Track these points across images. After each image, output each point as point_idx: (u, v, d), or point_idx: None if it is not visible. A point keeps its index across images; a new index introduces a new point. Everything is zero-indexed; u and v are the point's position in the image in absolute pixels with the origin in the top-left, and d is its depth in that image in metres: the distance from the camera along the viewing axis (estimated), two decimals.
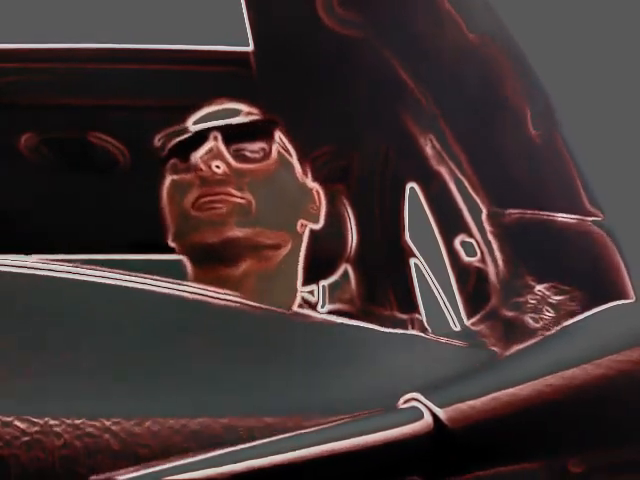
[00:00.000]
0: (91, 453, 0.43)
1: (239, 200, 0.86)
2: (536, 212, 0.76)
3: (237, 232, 0.85)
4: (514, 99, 0.79)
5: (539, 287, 0.70)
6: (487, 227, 0.79)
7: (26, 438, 0.42)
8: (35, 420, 0.42)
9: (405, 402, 0.46)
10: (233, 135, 0.90)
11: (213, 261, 0.85)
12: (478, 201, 0.81)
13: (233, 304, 0.53)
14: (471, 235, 0.83)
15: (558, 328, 0.65)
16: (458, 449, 0.44)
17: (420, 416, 0.44)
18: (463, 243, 0.86)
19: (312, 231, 0.96)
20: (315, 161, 1.02)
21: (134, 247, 1.62)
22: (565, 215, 0.75)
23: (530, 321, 0.67)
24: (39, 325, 0.46)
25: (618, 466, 0.52)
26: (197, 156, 0.87)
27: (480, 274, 0.82)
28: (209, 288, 0.55)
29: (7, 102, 1.34)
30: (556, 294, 0.69)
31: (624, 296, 0.71)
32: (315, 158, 1.04)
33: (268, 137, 0.92)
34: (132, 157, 1.46)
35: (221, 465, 0.40)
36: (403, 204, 1.27)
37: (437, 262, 1.06)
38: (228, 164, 0.87)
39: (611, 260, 0.73)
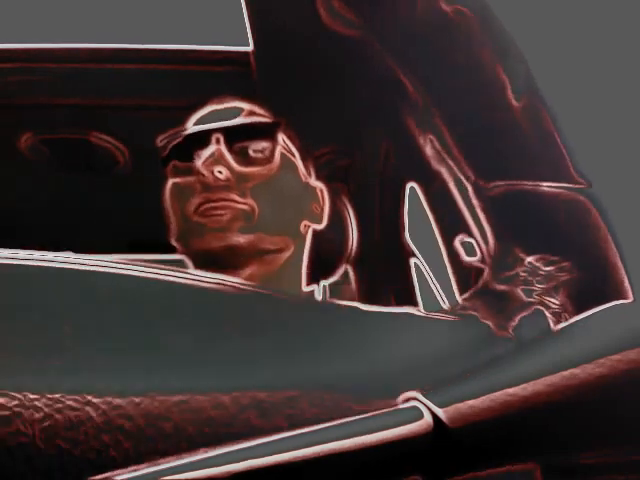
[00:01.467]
0: (73, 425, 0.43)
1: (241, 206, 0.86)
2: (521, 182, 0.76)
3: (240, 239, 0.85)
4: (492, 71, 0.78)
5: (529, 259, 0.70)
6: (474, 202, 0.79)
7: (5, 412, 0.42)
8: (14, 394, 0.42)
9: (405, 401, 0.46)
10: (235, 135, 0.89)
11: (216, 266, 0.85)
12: (463, 178, 0.80)
13: (223, 286, 0.53)
14: (471, 235, 0.83)
15: (558, 328, 0.65)
16: (458, 449, 0.44)
17: (420, 416, 0.44)
18: (463, 243, 0.86)
19: (313, 231, 0.96)
20: (315, 161, 1.02)
21: (134, 247, 1.62)
22: (551, 184, 0.75)
23: (521, 294, 0.67)
24: (20, 303, 0.46)
25: (618, 466, 0.52)
26: (199, 160, 0.87)
27: (480, 274, 0.82)
28: (199, 273, 0.56)
29: (7, 102, 1.34)
30: (546, 265, 0.69)
31: (610, 264, 0.71)
32: (315, 158, 1.03)
33: (271, 138, 0.91)
34: (132, 157, 1.46)
35: (221, 465, 0.40)
36: (403, 204, 1.27)
37: (437, 262, 1.06)
38: (230, 169, 0.87)
39: (598, 228, 0.73)
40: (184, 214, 0.88)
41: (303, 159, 0.96)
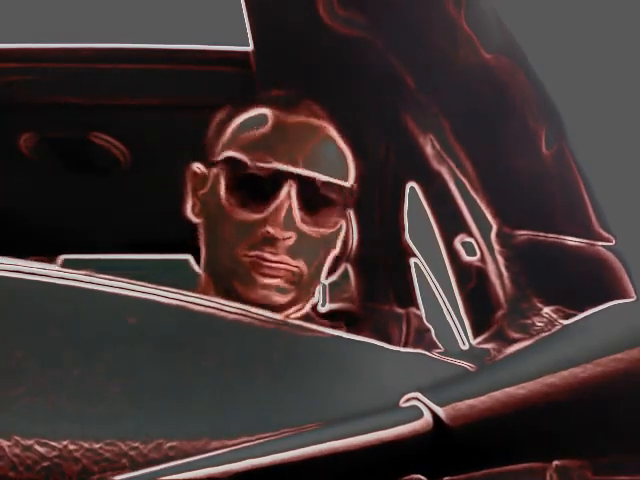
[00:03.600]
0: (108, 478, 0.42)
1: (293, 269, 0.84)
2: (546, 234, 0.76)
3: (281, 299, 0.84)
4: (527, 115, 0.78)
5: (546, 309, 0.70)
6: (496, 246, 0.78)
7: (46, 463, 0.41)
8: (54, 444, 0.42)
9: (405, 401, 0.46)
10: (311, 186, 0.84)
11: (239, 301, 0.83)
12: (488, 217, 0.80)
13: (241, 317, 0.52)
14: (471, 235, 0.83)
15: (558, 328, 0.65)
16: (458, 448, 0.44)
17: (420, 415, 0.44)
18: (463, 243, 0.86)
19: None
20: None
21: (134, 247, 1.63)
22: (575, 239, 0.75)
23: None
24: (51, 340, 0.45)
25: (618, 465, 0.52)
26: (268, 212, 0.82)
27: (480, 273, 0.82)
28: (214, 299, 0.55)
29: (7, 102, 1.34)
30: (563, 317, 0.69)
31: None
32: None
33: (344, 196, 0.88)
34: (133, 157, 1.46)
35: (220, 464, 0.40)
36: (403, 204, 1.27)
37: (437, 262, 1.06)
38: (298, 231, 0.84)
39: (619, 285, 0.73)
40: (234, 252, 0.84)
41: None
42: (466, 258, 0.85)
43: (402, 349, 0.62)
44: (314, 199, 0.85)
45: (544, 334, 0.63)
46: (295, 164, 0.85)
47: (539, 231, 0.76)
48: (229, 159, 0.87)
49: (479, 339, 0.72)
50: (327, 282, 1.10)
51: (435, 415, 0.44)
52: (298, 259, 0.85)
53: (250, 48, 1.26)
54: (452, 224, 0.90)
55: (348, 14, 0.94)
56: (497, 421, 0.45)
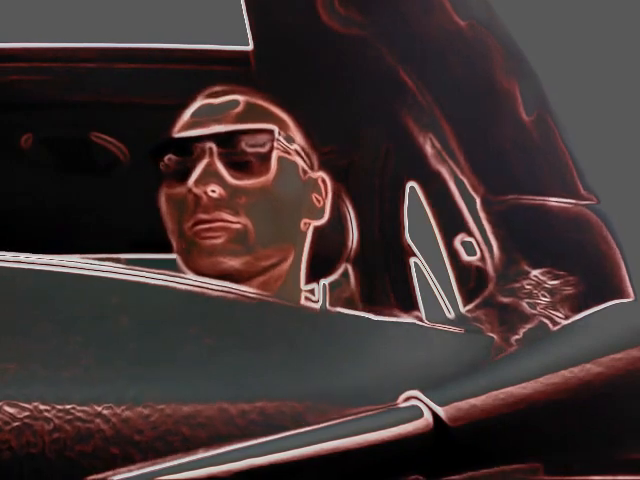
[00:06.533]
0: (82, 437, 0.43)
1: (235, 226, 0.83)
2: (530, 197, 0.76)
3: (235, 263, 0.83)
4: (505, 84, 0.78)
5: (534, 272, 0.70)
6: (481, 215, 0.79)
7: (16, 423, 0.42)
8: (24, 405, 0.42)
9: (405, 400, 0.46)
10: (230, 143, 0.85)
11: None
12: (470, 190, 0.80)
13: (228, 294, 0.53)
14: (471, 234, 0.83)
15: (558, 327, 0.65)
16: (458, 447, 0.44)
17: (420, 414, 0.44)
18: (463, 242, 0.86)
19: (313, 230, 0.94)
20: None
21: (134, 247, 1.63)
22: (559, 199, 0.75)
23: (526, 306, 0.67)
24: (27, 311, 0.46)
25: (618, 465, 0.52)
26: (192, 177, 0.83)
27: (480, 273, 0.82)
28: (205, 280, 0.56)
29: (7, 102, 1.34)
30: (551, 279, 0.69)
31: (618, 279, 0.71)
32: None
33: (269, 142, 0.87)
34: (132, 157, 1.46)
35: (221, 463, 0.40)
36: (403, 203, 1.27)
37: (437, 261, 1.06)
38: (224, 185, 0.83)
39: (605, 244, 0.73)
40: (181, 230, 0.85)
41: (307, 153, 0.92)
42: (466, 258, 0.85)
43: (393, 319, 0.62)
44: (235, 150, 0.85)
45: (544, 334, 0.63)
46: (205, 125, 0.87)
47: (522, 195, 0.76)
48: (156, 146, 0.89)
49: (469, 306, 0.72)
50: (327, 282, 1.10)
51: (435, 415, 0.44)
52: (239, 216, 0.83)
53: (250, 47, 1.26)
54: (452, 224, 0.90)
55: (348, 13, 0.94)
56: (497, 421, 0.45)
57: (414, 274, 1.32)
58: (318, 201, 0.93)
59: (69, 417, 0.43)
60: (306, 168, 0.92)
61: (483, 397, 0.45)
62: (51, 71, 1.33)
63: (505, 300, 0.69)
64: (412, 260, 1.33)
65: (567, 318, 0.66)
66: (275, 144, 0.87)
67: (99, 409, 0.44)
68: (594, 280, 0.71)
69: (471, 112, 0.81)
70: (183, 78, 1.33)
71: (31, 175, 1.49)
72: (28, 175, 1.49)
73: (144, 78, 1.34)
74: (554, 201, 0.75)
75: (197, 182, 0.83)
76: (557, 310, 0.67)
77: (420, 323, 0.64)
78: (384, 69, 0.93)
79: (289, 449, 0.41)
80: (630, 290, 0.70)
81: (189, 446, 0.44)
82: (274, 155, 0.87)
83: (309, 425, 0.45)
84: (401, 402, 0.46)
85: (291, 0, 1.05)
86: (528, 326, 0.65)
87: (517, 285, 0.70)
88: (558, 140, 0.77)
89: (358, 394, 0.51)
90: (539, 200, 0.75)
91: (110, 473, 0.41)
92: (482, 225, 0.79)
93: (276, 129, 0.88)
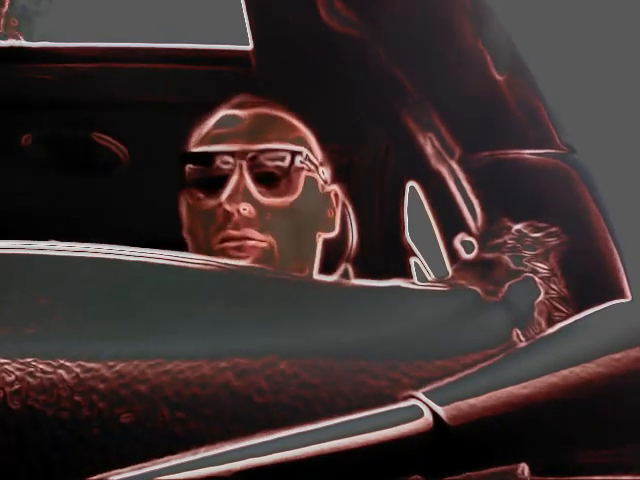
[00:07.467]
0: (45, 388, 0.43)
1: (262, 245, 0.85)
2: (505, 152, 0.76)
3: None
4: (474, 45, 0.78)
5: (516, 226, 0.70)
6: (460, 175, 0.79)
7: None
8: None
9: (404, 400, 0.46)
10: (259, 162, 0.87)
11: None
12: (447, 157, 0.80)
13: (208, 265, 0.54)
14: (471, 234, 0.83)
15: (558, 327, 0.65)
16: (458, 447, 0.44)
17: (420, 414, 0.44)
18: (463, 242, 0.86)
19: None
20: None
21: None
22: (534, 151, 0.75)
23: (509, 261, 0.67)
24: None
25: (618, 465, 0.52)
26: (223, 194, 0.85)
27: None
28: (186, 254, 0.56)
29: (7, 102, 1.34)
30: (533, 232, 0.69)
31: (595, 225, 0.71)
32: None
33: (288, 156, 0.89)
34: (132, 157, 1.46)
35: (221, 463, 0.40)
36: (403, 203, 1.27)
37: (437, 262, 1.06)
38: (255, 203, 0.85)
39: (582, 191, 0.73)
40: (207, 243, 0.86)
41: (324, 167, 0.94)
42: (466, 257, 0.85)
43: (376, 283, 0.62)
44: (266, 169, 0.87)
45: (543, 334, 0.63)
46: (231, 140, 0.88)
47: (498, 150, 0.77)
48: (183, 155, 0.90)
49: (454, 265, 0.73)
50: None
51: (435, 414, 0.44)
52: (266, 233, 0.85)
53: (250, 47, 1.26)
54: (452, 224, 0.90)
55: (348, 14, 0.94)
56: (497, 421, 0.45)
57: (414, 274, 1.32)
58: (331, 214, 0.95)
59: (30, 369, 0.43)
60: (323, 183, 0.94)
61: (483, 397, 0.45)
62: (52, 71, 1.33)
63: (489, 256, 0.69)
64: (412, 260, 1.33)
65: (551, 269, 0.66)
66: (303, 164, 0.89)
67: (62, 361, 0.44)
68: (575, 228, 0.71)
69: (439, 70, 0.82)
70: (183, 78, 1.33)
71: (31, 175, 1.49)
72: (28, 175, 1.49)
73: (144, 78, 1.33)
74: (529, 153, 0.75)
75: (229, 199, 0.84)
76: (542, 262, 0.67)
77: (403, 284, 0.65)
78: (384, 68, 0.93)
79: (289, 449, 0.41)
80: (607, 234, 0.70)
81: (156, 392, 0.44)
82: (302, 175, 0.89)
83: (284, 372, 0.45)
84: (401, 402, 0.46)
85: (291, 0, 1.05)
86: (513, 279, 0.65)
87: (500, 241, 0.70)
88: (532, 95, 0.77)
89: (334, 347, 0.51)
90: (514, 153, 0.76)
91: (110, 473, 0.41)
92: (463, 187, 0.79)
93: (305, 150, 0.90)
